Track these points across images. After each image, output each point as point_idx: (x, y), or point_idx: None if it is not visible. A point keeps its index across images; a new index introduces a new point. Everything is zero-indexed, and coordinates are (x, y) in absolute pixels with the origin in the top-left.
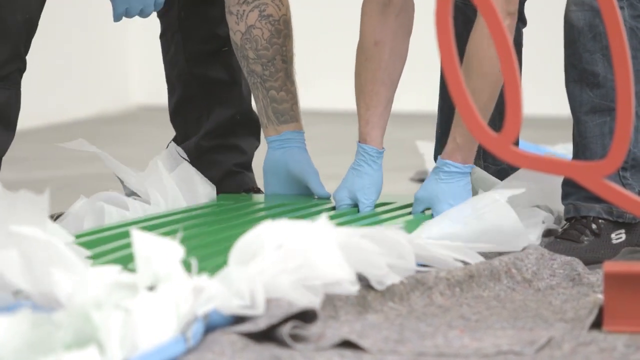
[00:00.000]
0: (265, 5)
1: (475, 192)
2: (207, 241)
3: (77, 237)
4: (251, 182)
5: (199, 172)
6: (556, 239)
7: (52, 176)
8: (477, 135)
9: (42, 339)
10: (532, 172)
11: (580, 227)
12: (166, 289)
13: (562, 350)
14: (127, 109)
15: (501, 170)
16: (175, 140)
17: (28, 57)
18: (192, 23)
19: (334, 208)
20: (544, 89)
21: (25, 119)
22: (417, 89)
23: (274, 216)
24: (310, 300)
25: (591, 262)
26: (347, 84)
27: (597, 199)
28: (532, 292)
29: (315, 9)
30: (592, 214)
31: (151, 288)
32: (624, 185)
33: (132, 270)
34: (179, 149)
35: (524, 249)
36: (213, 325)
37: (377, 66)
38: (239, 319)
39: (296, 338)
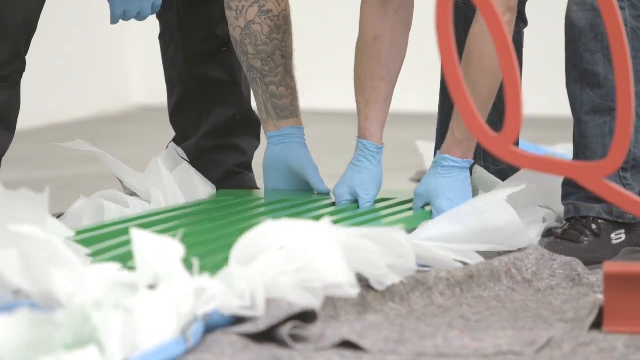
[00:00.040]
0: (265, 1)
1: (476, 192)
2: (207, 238)
3: (77, 233)
4: (251, 182)
5: (199, 173)
6: (556, 239)
7: (52, 176)
8: (477, 135)
9: (42, 338)
10: (533, 173)
11: (580, 228)
12: (167, 288)
13: (562, 351)
14: (127, 109)
15: (501, 170)
16: (175, 140)
17: (28, 57)
18: (191, 23)
19: (334, 204)
20: (544, 89)
21: (25, 119)
22: (417, 89)
23: (273, 212)
24: (310, 302)
25: (591, 262)
26: (347, 84)
27: (597, 199)
28: (532, 293)
29: (315, 9)
30: (592, 214)
31: (151, 287)
32: (624, 185)
33: (132, 268)
34: (179, 149)
35: (524, 249)
36: (213, 325)
37: (376, 61)
38: (239, 320)
39: (296, 338)
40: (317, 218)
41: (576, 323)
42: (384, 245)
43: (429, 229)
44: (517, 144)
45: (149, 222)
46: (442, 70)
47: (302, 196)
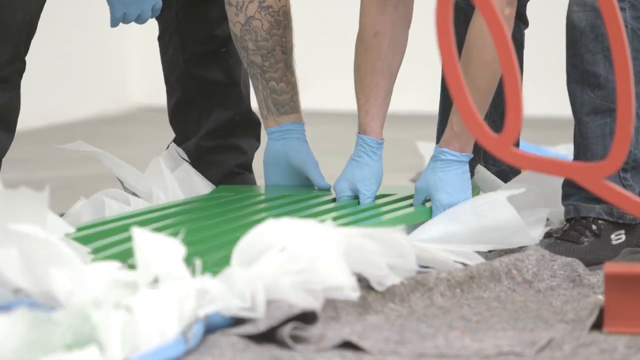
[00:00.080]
0: None
1: (478, 191)
2: (207, 234)
3: (78, 229)
4: (252, 182)
5: (199, 173)
6: (556, 240)
7: (52, 177)
8: (477, 136)
9: (42, 338)
10: (536, 175)
11: (580, 228)
12: (168, 288)
13: (563, 351)
14: (127, 109)
15: (502, 171)
16: (175, 141)
17: (28, 57)
18: (190, 24)
19: (334, 200)
20: (544, 89)
21: (25, 119)
22: (417, 89)
23: (274, 208)
24: (310, 303)
25: (591, 263)
26: (347, 84)
27: (598, 200)
28: (533, 293)
29: (315, 9)
30: (592, 215)
31: (153, 284)
32: (624, 186)
33: (133, 266)
34: (179, 150)
35: (524, 248)
36: (213, 326)
37: (376, 57)
38: (239, 321)
39: (297, 339)
40: (318, 214)
41: (577, 324)
42: (385, 246)
43: (429, 229)
44: (517, 144)
45: (149, 218)
46: (442, 70)
47: (302, 192)
